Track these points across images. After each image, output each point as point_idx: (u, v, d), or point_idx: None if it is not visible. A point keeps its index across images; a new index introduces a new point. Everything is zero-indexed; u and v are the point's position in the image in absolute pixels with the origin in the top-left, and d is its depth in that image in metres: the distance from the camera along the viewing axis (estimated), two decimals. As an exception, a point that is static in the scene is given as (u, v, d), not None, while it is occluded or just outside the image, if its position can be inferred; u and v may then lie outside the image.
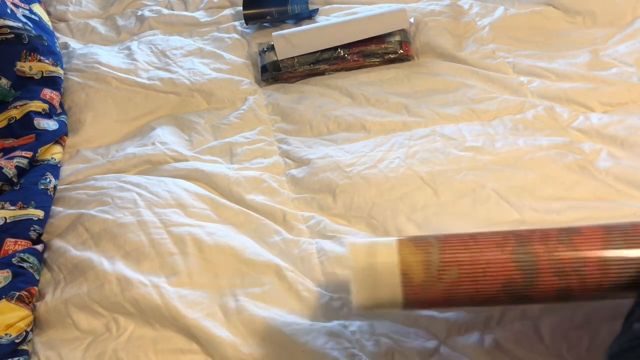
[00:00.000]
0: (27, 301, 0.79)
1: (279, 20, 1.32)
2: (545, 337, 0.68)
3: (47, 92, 1.11)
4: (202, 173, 0.97)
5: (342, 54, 1.18)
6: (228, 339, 0.72)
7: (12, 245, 0.86)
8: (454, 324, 0.71)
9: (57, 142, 1.05)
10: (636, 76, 1.05)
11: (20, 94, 1.09)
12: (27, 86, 1.10)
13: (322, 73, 1.18)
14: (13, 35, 1.13)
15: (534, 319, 0.70)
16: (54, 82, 1.13)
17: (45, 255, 0.87)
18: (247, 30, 1.31)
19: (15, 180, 0.96)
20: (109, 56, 1.23)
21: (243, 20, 1.32)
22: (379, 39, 1.19)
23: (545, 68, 1.11)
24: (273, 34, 1.20)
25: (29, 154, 0.99)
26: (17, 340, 0.75)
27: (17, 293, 0.79)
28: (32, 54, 1.13)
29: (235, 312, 0.76)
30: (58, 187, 0.97)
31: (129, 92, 1.14)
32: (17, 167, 0.97)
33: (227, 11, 1.38)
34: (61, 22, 1.40)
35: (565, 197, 0.86)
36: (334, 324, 0.73)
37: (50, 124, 1.06)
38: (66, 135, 1.08)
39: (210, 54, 1.24)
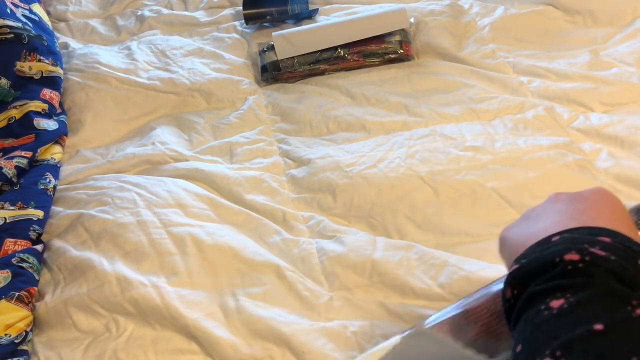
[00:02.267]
0: (26, 301, 0.79)
1: (279, 20, 1.32)
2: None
3: (47, 92, 1.11)
4: (202, 173, 0.96)
5: (342, 53, 1.18)
6: (228, 338, 0.72)
7: (11, 245, 0.86)
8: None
9: (56, 142, 1.05)
10: (636, 76, 1.05)
11: (20, 93, 1.09)
12: (27, 86, 1.10)
13: (322, 73, 1.18)
14: (13, 35, 1.13)
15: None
16: (53, 82, 1.13)
17: (45, 255, 0.87)
18: (247, 30, 1.31)
19: (14, 180, 0.96)
20: (108, 56, 1.23)
21: (243, 20, 1.32)
22: (379, 38, 1.19)
23: (545, 68, 1.11)
24: (273, 33, 1.20)
25: (29, 154, 0.99)
26: (16, 341, 0.75)
27: (17, 293, 0.79)
28: (32, 53, 1.13)
29: (235, 312, 0.75)
30: (58, 187, 0.97)
31: (128, 92, 1.14)
32: (16, 167, 0.97)
33: (227, 11, 1.38)
34: (61, 22, 1.40)
35: (565, 197, 0.86)
36: (334, 323, 0.73)
37: (50, 124, 1.06)
38: (66, 135, 1.08)
39: (210, 54, 1.24)
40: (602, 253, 0.41)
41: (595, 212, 0.48)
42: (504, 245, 0.53)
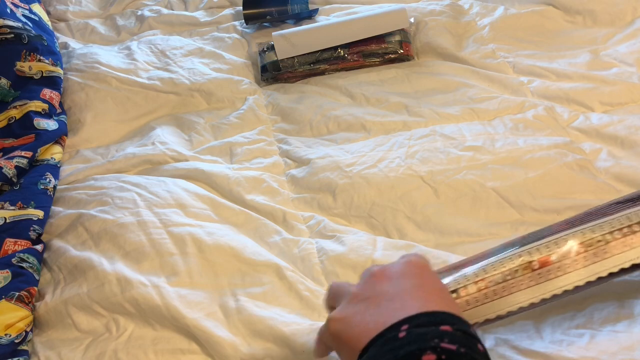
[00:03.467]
0: (26, 301, 0.79)
1: (279, 20, 1.32)
2: (546, 336, 0.68)
3: (47, 92, 1.11)
4: (202, 173, 0.96)
5: (342, 53, 1.18)
6: (228, 338, 0.72)
7: (11, 245, 0.86)
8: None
9: (56, 142, 1.05)
10: (636, 76, 1.05)
11: (20, 93, 1.09)
12: (27, 86, 1.10)
13: (322, 73, 1.18)
14: (13, 35, 1.13)
15: (535, 317, 0.70)
16: (53, 82, 1.13)
17: (45, 255, 0.87)
18: (247, 30, 1.31)
19: (15, 180, 0.96)
20: (108, 56, 1.23)
21: (243, 20, 1.32)
22: (379, 38, 1.19)
23: (545, 68, 1.11)
24: (273, 33, 1.20)
25: (29, 154, 0.99)
26: (16, 341, 0.75)
27: (17, 293, 0.79)
28: (32, 53, 1.13)
29: (235, 312, 0.75)
30: (58, 187, 0.97)
31: (128, 92, 1.14)
32: (16, 167, 0.97)
33: (227, 11, 1.38)
34: (61, 22, 1.40)
35: (565, 197, 0.86)
36: (334, 323, 0.73)
37: (50, 124, 1.06)
38: (66, 135, 1.08)
39: (210, 54, 1.24)
40: (452, 347, 0.42)
41: (424, 292, 0.50)
42: (340, 339, 0.51)
